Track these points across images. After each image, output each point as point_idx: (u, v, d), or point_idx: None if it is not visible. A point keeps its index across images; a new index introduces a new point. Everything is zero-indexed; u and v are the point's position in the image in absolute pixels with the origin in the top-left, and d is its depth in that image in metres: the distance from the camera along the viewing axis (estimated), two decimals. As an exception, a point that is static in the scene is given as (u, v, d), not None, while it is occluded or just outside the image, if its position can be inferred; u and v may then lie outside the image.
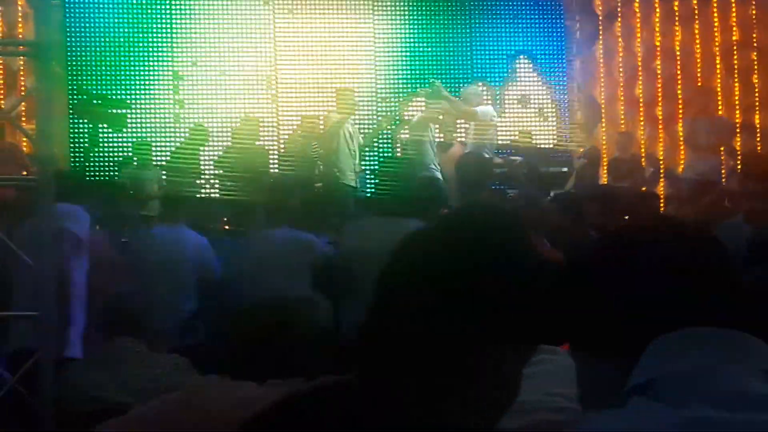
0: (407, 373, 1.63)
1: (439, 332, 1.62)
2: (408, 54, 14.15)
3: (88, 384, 4.57)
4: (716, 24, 14.63)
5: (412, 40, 14.16)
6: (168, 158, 12.78)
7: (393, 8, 14.24)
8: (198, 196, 11.74)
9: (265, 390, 1.80)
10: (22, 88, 12.14)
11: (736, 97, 14.57)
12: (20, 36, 12.07)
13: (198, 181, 12.61)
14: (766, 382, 1.52)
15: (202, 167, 13.00)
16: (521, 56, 14.37)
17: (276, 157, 13.20)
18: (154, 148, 13.10)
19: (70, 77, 13.02)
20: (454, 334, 1.62)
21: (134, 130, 13.19)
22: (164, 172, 12.18)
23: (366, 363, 1.70)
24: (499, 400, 1.69)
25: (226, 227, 10.97)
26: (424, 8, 14.30)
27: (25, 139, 10.37)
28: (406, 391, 1.63)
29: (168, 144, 13.20)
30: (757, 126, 14.41)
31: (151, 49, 13.49)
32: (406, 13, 14.24)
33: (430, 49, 14.21)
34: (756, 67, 14.57)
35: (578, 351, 1.74)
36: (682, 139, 14.27)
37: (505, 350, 1.65)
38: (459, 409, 1.63)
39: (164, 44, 13.55)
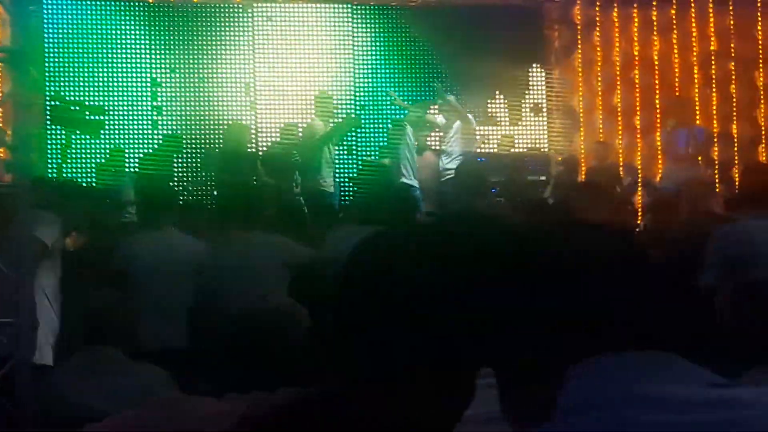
0: (376, 379, 1.65)
1: (403, 337, 1.64)
2: (385, 61, 14.20)
3: (69, 391, 4.58)
4: (694, 34, 14.73)
5: (389, 47, 14.21)
6: (144, 164, 12.78)
7: (370, 16, 14.30)
8: (177, 201, 11.75)
9: (224, 405, 1.81)
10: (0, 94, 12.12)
11: (714, 107, 14.68)
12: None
13: (177, 187, 12.65)
14: (712, 388, 1.57)
15: (179, 172, 13.05)
16: (499, 65, 14.41)
17: (255, 163, 13.20)
18: (130, 155, 13.14)
19: (47, 83, 13.02)
20: (417, 339, 1.65)
21: (111, 136, 13.21)
22: (141, 178, 12.20)
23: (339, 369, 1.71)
24: (450, 405, 1.70)
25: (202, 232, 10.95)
26: (401, 16, 14.36)
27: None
28: (379, 397, 1.64)
29: (145, 150, 13.22)
30: (735, 135, 14.54)
31: (129, 55, 13.51)
32: (384, 20, 14.30)
33: (407, 56, 14.26)
34: (734, 76, 14.68)
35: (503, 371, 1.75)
36: (660, 148, 14.36)
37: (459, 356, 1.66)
38: (417, 415, 1.65)
39: (142, 51, 13.57)
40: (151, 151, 13.11)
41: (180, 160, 13.23)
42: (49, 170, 12.68)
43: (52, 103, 12.93)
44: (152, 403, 1.89)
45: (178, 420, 1.77)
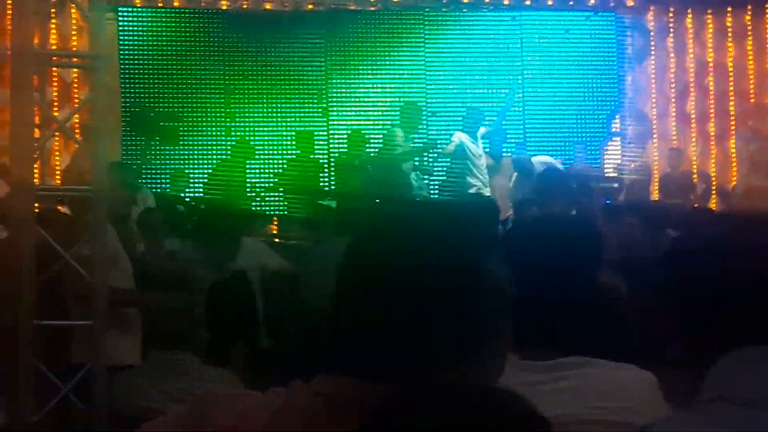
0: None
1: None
2: (458, 68, 14.17)
3: (139, 393, 4.62)
4: (769, 40, 14.55)
5: (462, 54, 14.17)
6: (214, 172, 12.88)
7: (444, 23, 14.28)
8: (253, 209, 11.81)
9: (269, 398, 1.80)
10: (76, 100, 12.27)
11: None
12: (74, 48, 12.21)
13: (250, 195, 12.73)
14: None
15: (252, 181, 13.12)
16: (574, 71, 14.38)
17: (327, 171, 13.25)
18: (204, 162, 13.26)
19: (123, 90, 13.15)
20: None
21: (186, 142, 13.32)
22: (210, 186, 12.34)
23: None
24: None
25: (276, 239, 11.00)
26: (474, 23, 14.32)
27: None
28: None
29: (217, 156, 13.31)
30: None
31: (203, 62, 13.61)
32: (458, 27, 14.27)
33: (480, 63, 14.22)
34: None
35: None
36: (734, 155, 14.19)
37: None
38: None
39: (216, 57, 13.65)
40: (226, 158, 13.19)
41: (254, 167, 13.31)
42: (127, 176, 12.80)
43: (129, 109, 13.05)
44: (195, 400, 1.88)
45: (223, 414, 1.77)
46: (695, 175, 14.03)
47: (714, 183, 14.03)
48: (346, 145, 13.30)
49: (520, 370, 2.31)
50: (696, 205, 12.51)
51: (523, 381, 1.84)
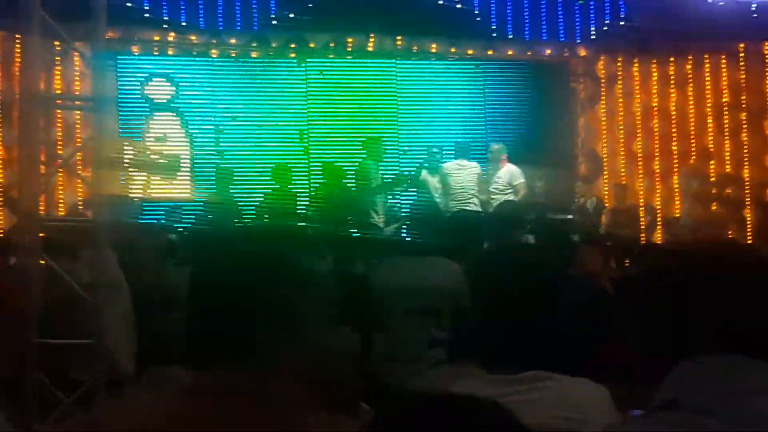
0: None
1: None
2: (427, 111, 14.25)
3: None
4: (708, 87, 14.66)
5: (430, 98, 14.27)
6: (208, 199, 12.88)
7: (414, 70, 14.37)
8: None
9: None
10: (78, 139, 12.25)
11: (727, 154, 14.58)
12: (77, 92, 12.18)
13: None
14: None
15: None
16: (530, 115, 14.49)
17: (307, 203, 13.24)
18: (198, 195, 13.25)
19: (121, 130, 13.16)
20: None
21: (182, 178, 13.32)
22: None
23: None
24: None
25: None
26: (442, 71, 14.42)
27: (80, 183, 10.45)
28: None
29: (210, 189, 13.31)
30: (746, 179, 14.42)
31: (194, 105, 13.66)
32: (426, 74, 14.37)
33: (446, 107, 14.32)
34: (744, 126, 14.58)
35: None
36: (677, 190, 14.29)
37: None
38: None
39: (206, 101, 13.70)
40: (215, 189, 13.19)
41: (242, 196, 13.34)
42: (125, 208, 12.76)
43: (128, 147, 13.03)
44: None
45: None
46: (642, 209, 14.10)
47: (659, 216, 14.12)
48: (323, 178, 13.31)
49: (488, 384, 2.33)
50: (642, 236, 12.59)
51: (491, 393, 1.85)
